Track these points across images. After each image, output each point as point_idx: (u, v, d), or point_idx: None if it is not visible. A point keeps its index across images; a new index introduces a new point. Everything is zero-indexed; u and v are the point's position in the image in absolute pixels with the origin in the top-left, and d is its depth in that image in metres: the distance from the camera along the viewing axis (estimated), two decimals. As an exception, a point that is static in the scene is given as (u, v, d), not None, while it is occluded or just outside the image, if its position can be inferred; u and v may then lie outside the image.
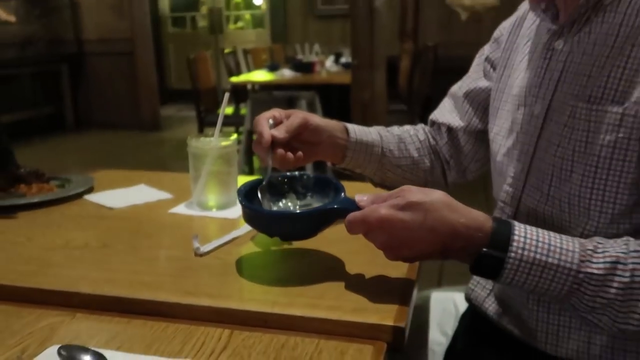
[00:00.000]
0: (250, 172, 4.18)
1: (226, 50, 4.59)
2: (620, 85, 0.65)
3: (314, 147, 0.84)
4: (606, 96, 0.66)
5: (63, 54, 6.27)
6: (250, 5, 9.02)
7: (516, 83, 0.80)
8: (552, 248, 0.60)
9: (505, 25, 0.90)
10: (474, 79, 0.94)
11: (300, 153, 0.80)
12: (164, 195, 1.06)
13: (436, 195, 0.63)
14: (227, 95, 0.99)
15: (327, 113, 3.89)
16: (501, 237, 0.60)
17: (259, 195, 0.75)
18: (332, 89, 3.95)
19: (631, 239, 0.62)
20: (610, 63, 0.66)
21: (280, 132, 0.78)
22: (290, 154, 0.79)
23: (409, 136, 0.96)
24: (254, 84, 4.29)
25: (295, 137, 0.81)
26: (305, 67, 4.12)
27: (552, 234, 0.62)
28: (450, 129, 0.95)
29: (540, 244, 0.60)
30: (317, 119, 0.84)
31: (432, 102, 3.89)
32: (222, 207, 0.96)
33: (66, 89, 6.33)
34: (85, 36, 6.38)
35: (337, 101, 4.05)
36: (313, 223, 0.69)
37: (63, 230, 0.89)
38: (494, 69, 0.90)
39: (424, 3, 5.45)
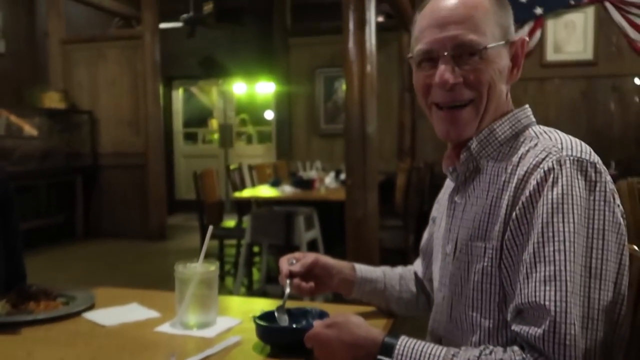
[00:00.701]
0: (250, 284, 4.28)
1: (232, 167, 4.86)
2: (486, 225, 0.86)
3: (326, 280, 1.11)
4: (477, 234, 0.87)
5: (79, 166, 6.63)
6: (260, 121, 9.57)
7: (440, 231, 1.00)
8: (423, 353, 0.79)
9: (442, 189, 1.12)
10: (425, 237, 1.19)
11: (312, 284, 1.08)
12: (152, 314, 1.19)
13: (350, 317, 0.87)
14: (210, 228, 1.16)
15: (326, 228, 4.06)
16: (389, 346, 0.81)
17: (276, 314, 1.03)
18: (331, 205, 4.14)
19: (500, 348, 0.78)
20: (482, 211, 0.87)
21: (296, 267, 1.08)
22: (304, 284, 1.07)
23: (409, 274, 1.20)
24: (256, 199, 4.51)
25: (309, 272, 1.09)
26: (305, 184, 4.35)
27: (431, 345, 0.80)
28: (416, 275, 1.20)
29: (414, 350, 0.79)
30: (327, 259, 1.12)
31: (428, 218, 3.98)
32: (202, 326, 1.09)
33: (79, 199, 6.61)
34: (101, 150, 6.77)
35: (336, 217, 4.23)
36: (290, 337, 0.95)
37: (60, 347, 1.02)
38: (434, 223, 1.12)
39: (420, 124, 5.82)
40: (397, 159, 5.88)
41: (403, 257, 4.00)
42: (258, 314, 1.03)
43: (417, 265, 1.21)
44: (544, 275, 0.76)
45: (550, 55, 5.51)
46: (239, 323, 1.12)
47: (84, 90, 6.80)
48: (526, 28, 5.46)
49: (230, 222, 4.75)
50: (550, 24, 5.50)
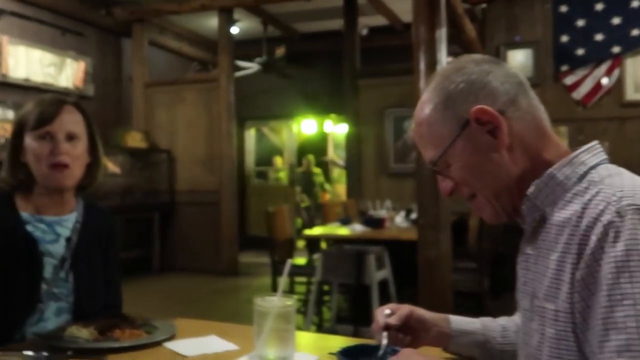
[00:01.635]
0: (320, 323, 4.25)
1: (303, 205, 4.92)
2: (555, 285, 0.80)
3: (421, 334, 1.08)
4: (548, 294, 0.81)
5: (157, 202, 6.92)
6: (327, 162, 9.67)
7: (519, 280, 0.95)
8: None
9: None
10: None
11: (409, 337, 1.07)
12: (231, 346, 1.21)
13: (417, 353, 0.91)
14: (289, 262, 1.17)
15: (396, 268, 3.99)
16: None
17: None
18: (402, 245, 4.08)
19: None
20: (550, 267, 0.82)
21: (392, 319, 1.06)
22: (401, 335, 1.06)
23: (513, 325, 1.11)
24: (327, 237, 4.52)
25: (405, 324, 1.06)
26: (375, 223, 4.32)
27: None
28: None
29: None
30: (421, 311, 1.09)
31: (504, 260, 3.87)
32: (279, 360, 1.09)
33: (156, 234, 6.87)
34: (178, 187, 7.05)
35: (406, 257, 4.16)
36: None
37: (144, 374, 1.04)
38: None
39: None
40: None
41: (478, 301, 3.86)
42: (335, 350, 1.02)
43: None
44: (616, 345, 0.70)
45: (630, 94, 5.28)
46: (316, 359, 1.11)
47: (163, 130, 7.15)
48: (603, 67, 5.28)
49: (300, 260, 4.77)
50: (630, 63, 5.29)
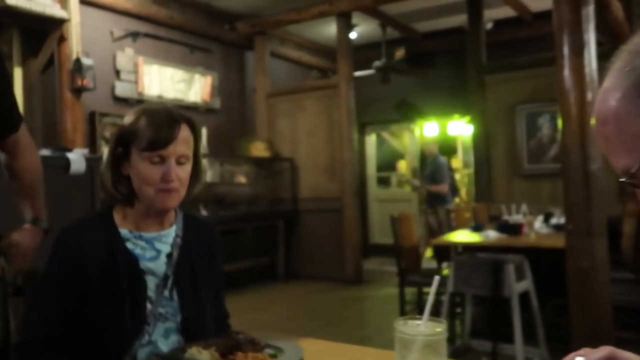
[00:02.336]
0: (451, 337, 3.96)
1: (430, 210, 4.66)
2: None
3: None
4: None
5: (281, 210, 6.99)
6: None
7: None
8: None
9: None
10: None
11: None
12: (367, 377, 1.03)
13: None
14: (436, 279, 0.96)
15: (537, 279, 3.60)
16: None
17: None
18: (543, 253, 3.68)
19: None
20: None
21: None
22: None
23: None
24: (456, 244, 4.21)
25: None
26: (512, 229, 3.95)
27: None
28: None
29: None
30: (626, 354, 0.82)
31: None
32: (428, 400, 0.89)
33: (280, 242, 6.93)
34: (300, 195, 7.07)
35: (548, 267, 3.75)
36: None
37: (270, 409, 0.90)
38: None
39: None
40: (619, 200, 5.11)
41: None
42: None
43: None
44: None
45: None
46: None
47: (285, 139, 7.23)
48: None
49: (427, 269, 4.51)
50: None
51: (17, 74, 5.28)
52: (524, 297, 3.47)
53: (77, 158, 2.82)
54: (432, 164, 6.49)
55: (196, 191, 1.40)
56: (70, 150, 2.94)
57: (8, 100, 1.50)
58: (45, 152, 3.06)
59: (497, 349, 3.49)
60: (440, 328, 0.91)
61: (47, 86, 5.30)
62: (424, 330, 0.91)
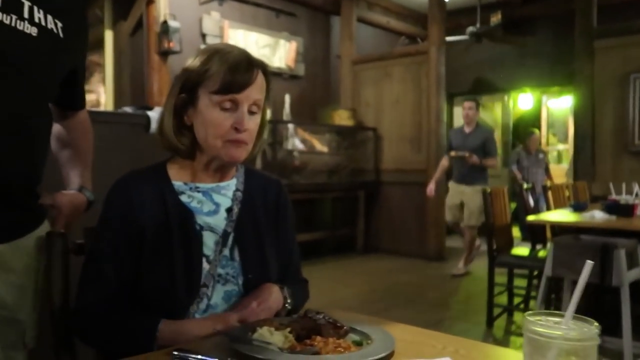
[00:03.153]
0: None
1: (525, 187, 4.27)
2: None
3: None
4: None
5: (362, 181, 6.77)
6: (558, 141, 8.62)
7: None
8: None
9: None
10: None
11: None
12: (478, 382, 0.81)
13: None
14: (589, 264, 0.72)
15: (652, 267, 3.18)
16: None
17: None
18: (658, 239, 3.25)
19: None
20: None
21: None
22: None
23: None
24: (554, 224, 3.84)
25: None
26: (623, 210, 3.51)
27: None
28: None
29: None
30: None
31: None
32: None
33: (360, 214, 6.74)
34: (383, 166, 6.82)
35: (664, 253, 3.31)
36: None
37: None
38: None
39: None
40: None
41: None
42: None
43: None
44: None
45: None
46: None
47: (370, 108, 6.96)
48: None
49: (519, 250, 4.15)
50: None
51: (108, 36, 5.36)
52: (636, 287, 3.09)
53: (157, 116, 2.73)
54: (482, 132, 5.36)
55: (258, 150, 1.23)
56: (151, 108, 2.87)
57: (83, 76, 1.42)
58: (127, 109, 3.01)
59: (600, 343, 3.14)
60: (590, 331, 0.67)
61: (135, 49, 5.35)
62: (568, 332, 0.67)
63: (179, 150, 1.17)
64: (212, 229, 1.15)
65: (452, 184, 5.53)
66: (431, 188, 5.60)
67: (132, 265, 1.10)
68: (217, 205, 1.18)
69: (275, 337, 0.91)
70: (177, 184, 1.17)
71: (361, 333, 0.98)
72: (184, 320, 1.08)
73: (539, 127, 8.85)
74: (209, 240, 1.14)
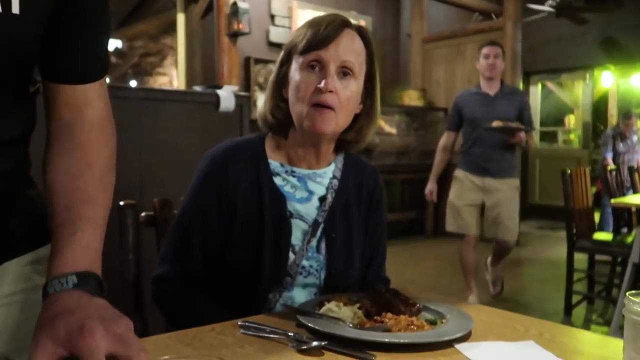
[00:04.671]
0: None
1: (609, 168, 4.01)
2: None
3: None
4: None
5: (432, 163, 6.59)
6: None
7: None
8: None
9: None
10: None
11: None
12: (566, 367, 0.73)
13: None
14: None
15: None
16: None
17: None
18: None
19: None
20: None
21: None
22: None
23: None
24: (641, 208, 3.59)
25: None
26: None
27: None
28: None
29: None
30: None
31: None
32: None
33: (430, 196, 6.58)
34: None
35: None
36: None
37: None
38: None
39: None
40: None
41: None
42: None
43: None
44: None
45: None
46: None
47: (440, 87, 6.76)
48: None
49: (602, 235, 3.91)
50: None
51: (180, 19, 5.47)
52: None
53: (227, 95, 2.76)
54: (516, 96, 3.72)
55: (370, 136, 1.15)
56: (220, 87, 2.89)
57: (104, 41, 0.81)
58: (197, 88, 3.05)
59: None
60: None
61: (206, 31, 5.43)
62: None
63: (274, 125, 1.12)
64: (302, 217, 1.10)
65: (465, 176, 3.72)
66: (432, 191, 3.98)
67: (220, 241, 1.08)
68: (311, 193, 1.12)
69: (343, 312, 0.87)
70: (274, 163, 1.12)
71: (435, 312, 0.92)
72: None
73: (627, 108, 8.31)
74: (296, 229, 1.10)
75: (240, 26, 5.21)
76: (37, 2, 0.70)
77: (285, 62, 1.11)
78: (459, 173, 3.79)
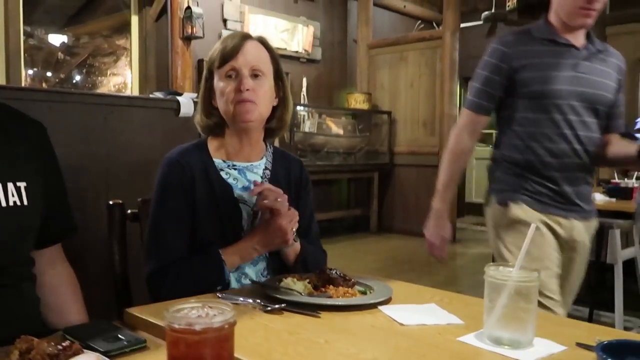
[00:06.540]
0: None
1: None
2: None
3: None
4: None
5: (376, 163, 6.99)
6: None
7: None
8: None
9: None
10: None
11: None
12: (454, 319, 1.04)
13: None
14: (533, 226, 0.95)
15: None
16: None
17: None
18: (655, 221, 3.42)
19: None
20: None
21: None
22: None
23: None
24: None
25: None
26: (621, 192, 3.70)
27: None
28: None
29: None
30: None
31: None
32: (515, 345, 0.89)
33: (374, 195, 6.97)
34: (397, 149, 7.02)
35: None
36: None
37: (356, 339, 0.94)
38: None
39: None
40: None
41: None
42: (589, 341, 0.79)
43: None
44: None
45: None
46: (563, 350, 0.89)
47: (385, 91, 7.14)
48: None
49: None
50: None
51: (134, 21, 5.59)
52: (629, 264, 3.29)
53: (186, 101, 2.97)
54: (613, 53, 4.28)
55: (287, 121, 1.46)
56: (180, 94, 3.10)
57: (61, 197, 1.26)
58: (158, 94, 3.25)
59: (595, 316, 3.35)
60: (532, 276, 0.90)
61: (160, 34, 5.58)
62: (515, 276, 0.90)
63: (210, 128, 1.42)
64: (245, 202, 1.38)
65: (532, 215, 1.82)
66: (443, 238, 2.07)
67: (188, 228, 1.33)
68: (250, 182, 1.40)
69: (297, 285, 1.16)
70: (217, 161, 1.40)
71: (365, 285, 1.22)
72: (237, 243, 1.32)
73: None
74: (244, 213, 1.37)
75: (194, 30, 5.39)
76: (37, 196, 1.13)
77: (209, 79, 1.40)
78: (517, 211, 1.84)
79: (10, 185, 1.08)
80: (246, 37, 1.37)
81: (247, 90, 1.32)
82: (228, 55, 1.33)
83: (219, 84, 1.36)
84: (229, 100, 1.33)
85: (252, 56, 1.34)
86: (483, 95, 1.90)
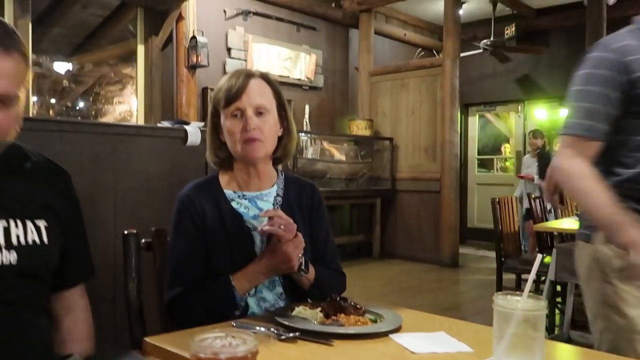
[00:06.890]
0: (550, 326, 3.85)
1: (533, 196, 4.50)
2: None
3: None
4: None
5: (378, 189, 7.04)
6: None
7: None
8: None
9: None
10: None
11: None
12: (463, 347, 1.07)
13: None
14: (539, 257, 0.98)
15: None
16: None
17: None
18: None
19: None
20: None
21: None
22: None
23: None
24: (560, 231, 4.06)
25: None
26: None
27: None
28: None
29: None
30: None
31: None
32: (523, 373, 0.92)
33: (376, 220, 6.99)
34: (399, 175, 7.07)
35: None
36: None
37: (370, 366, 0.97)
38: None
39: None
40: None
41: None
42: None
43: None
44: None
45: None
46: (570, 377, 0.92)
47: (386, 118, 7.23)
48: None
49: (528, 256, 4.39)
50: None
51: (140, 51, 5.70)
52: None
53: (193, 130, 3.02)
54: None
55: (293, 149, 1.51)
56: (187, 123, 3.16)
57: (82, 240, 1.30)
58: (165, 124, 3.31)
59: (574, 337, 3.35)
60: (540, 304, 0.93)
61: (165, 62, 5.68)
62: (524, 305, 0.93)
63: (221, 163, 1.48)
64: (256, 230, 1.42)
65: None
66: None
67: (203, 257, 1.38)
68: (261, 210, 1.44)
69: (309, 313, 1.19)
70: (228, 192, 1.45)
71: (376, 313, 1.25)
72: (246, 267, 1.35)
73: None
74: (256, 240, 1.42)
75: (199, 59, 5.50)
76: (57, 235, 1.17)
77: (215, 115, 1.46)
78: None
79: (29, 224, 1.11)
80: (249, 75, 1.43)
81: (254, 129, 1.38)
82: (233, 96, 1.39)
83: (226, 122, 1.42)
84: (237, 139, 1.39)
85: (255, 95, 1.40)
86: (597, 113, 1.44)
